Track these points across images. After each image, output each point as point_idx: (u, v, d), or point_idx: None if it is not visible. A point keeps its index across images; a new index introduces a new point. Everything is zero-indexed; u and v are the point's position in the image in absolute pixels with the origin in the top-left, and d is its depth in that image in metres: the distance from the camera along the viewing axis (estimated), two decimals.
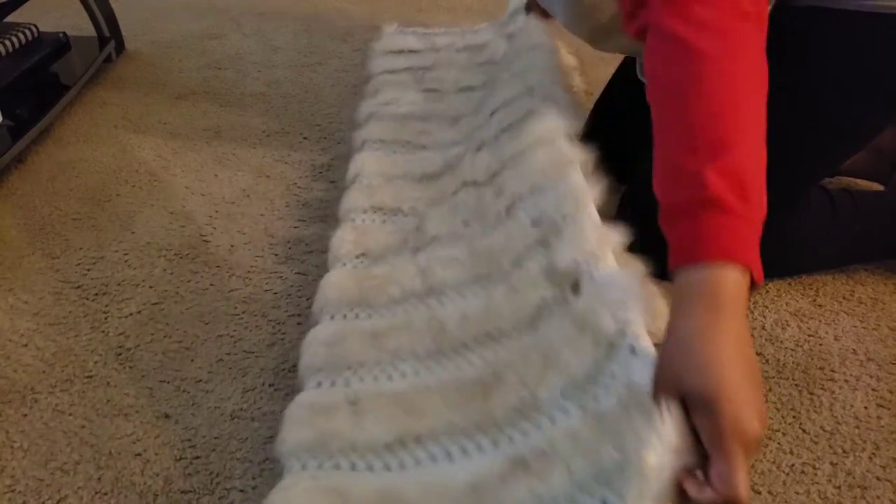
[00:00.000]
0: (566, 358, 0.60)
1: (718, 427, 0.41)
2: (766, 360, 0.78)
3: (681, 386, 0.43)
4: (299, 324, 0.80)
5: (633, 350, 0.52)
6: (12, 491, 0.61)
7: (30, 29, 1.28)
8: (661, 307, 0.55)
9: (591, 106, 1.10)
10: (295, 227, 0.97)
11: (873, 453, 0.69)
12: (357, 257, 0.85)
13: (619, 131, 0.94)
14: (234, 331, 0.79)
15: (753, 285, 0.47)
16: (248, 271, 0.88)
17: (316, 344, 0.72)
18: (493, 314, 0.71)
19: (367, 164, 1.04)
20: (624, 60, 1.03)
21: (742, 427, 0.41)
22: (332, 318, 0.76)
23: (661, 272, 0.86)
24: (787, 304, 0.86)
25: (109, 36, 1.42)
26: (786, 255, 0.87)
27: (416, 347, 0.70)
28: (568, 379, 0.59)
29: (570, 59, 1.26)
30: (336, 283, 0.79)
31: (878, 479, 0.66)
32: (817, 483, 0.65)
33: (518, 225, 0.77)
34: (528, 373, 0.62)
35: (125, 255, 0.90)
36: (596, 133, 1.04)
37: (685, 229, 0.49)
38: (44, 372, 0.73)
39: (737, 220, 0.47)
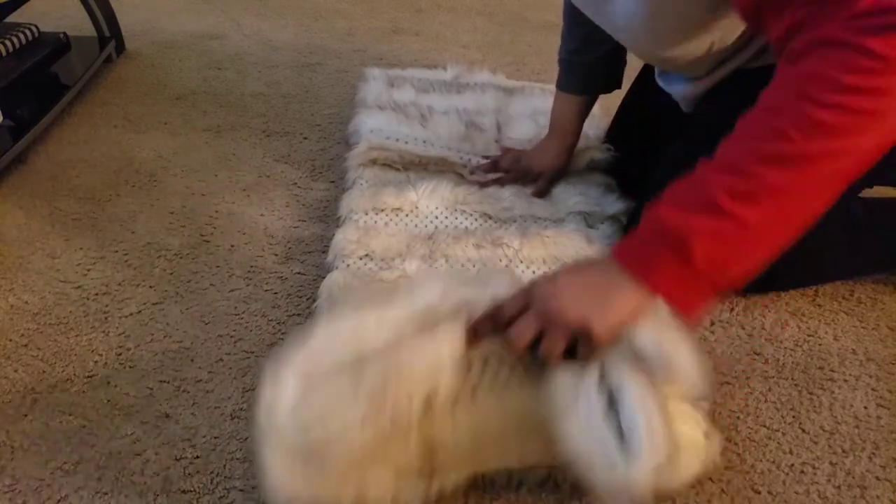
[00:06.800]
0: None
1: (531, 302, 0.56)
2: (766, 360, 0.78)
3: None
4: (299, 324, 0.80)
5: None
6: (12, 491, 0.61)
7: (30, 29, 1.28)
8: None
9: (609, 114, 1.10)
10: (295, 227, 0.97)
11: (873, 453, 0.69)
12: (361, 258, 0.85)
13: (639, 138, 0.94)
14: (234, 331, 0.79)
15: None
16: (248, 271, 0.88)
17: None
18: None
19: (366, 167, 1.04)
20: (642, 69, 1.03)
21: (544, 306, 0.55)
22: None
23: None
24: (786, 303, 0.87)
25: (110, 36, 1.42)
26: (798, 268, 0.86)
27: None
28: None
29: None
30: (342, 283, 0.79)
31: (877, 478, 0.66)
32: (817, 483, 0.66)
33: None
34: None
35: (125, 255, 0.90)
36: (618, 139, 1.05)
37: (651, 238, 0.54)
38: (44, 372, 0.73)
39: (683, 276, 0.52)
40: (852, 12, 0.47)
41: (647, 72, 1.02)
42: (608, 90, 0.99)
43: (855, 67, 0.47)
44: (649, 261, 0.52)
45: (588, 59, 0.94)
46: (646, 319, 0.53)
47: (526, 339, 0.55)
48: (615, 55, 0.95)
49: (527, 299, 0.57)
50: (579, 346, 0.55)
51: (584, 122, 1.00)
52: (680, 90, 0.88)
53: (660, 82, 0.93)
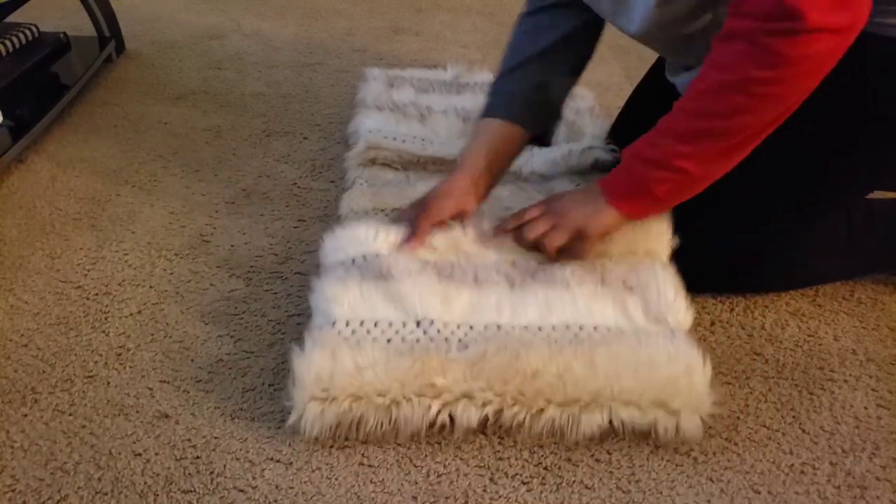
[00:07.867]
0: None
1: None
2: (766, 360, 0.78)
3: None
4: (299, 324, 0.80)
5: None
6: (12, 491, 0.61)
7: (30, 29, 1.28)
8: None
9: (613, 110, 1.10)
10: (295, 227, 0.97)
11: (873, 453, 0.69)
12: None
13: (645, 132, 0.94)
14: (234, 331, 0.79)
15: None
16: (248, 271, 0.88)
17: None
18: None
19: (366, 167, 1.04)
20: (653, 64, 1.02)
21: (557, 211, 0.76)
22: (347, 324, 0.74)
23: (685, 268, 0.85)
24: (786, 303, 0.87)
25: (110, 36, 1.42)
26: (798, 268, 0.86)
27: None
28: None
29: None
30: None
31: (877, 479, 0.66)
32: (817, 483, 0.66)
33: None
34: None
35: (125, 255, 0.90)
36: (622, 139, 1.05)
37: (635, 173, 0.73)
38: (44, 372, 0.73)
39: (647, 205, 0.75)
40: (760, 10, 0.61)
41: (651, 71, 1.01)
42: (535, 127, 0.85)
43: (762, 63, 0.62)
44: (624, 197, 0.74)
45: (513, 89, 0.86)
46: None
47: (537, 232, 0.76)
48: (545, 89, 0.87)
49: (543, 208, 0.77)
50: (575, 244, 0.75)
51: (500, 164, 0.84)
52: (685, 80, 0.88)
53: (669, 76, 0.93)
